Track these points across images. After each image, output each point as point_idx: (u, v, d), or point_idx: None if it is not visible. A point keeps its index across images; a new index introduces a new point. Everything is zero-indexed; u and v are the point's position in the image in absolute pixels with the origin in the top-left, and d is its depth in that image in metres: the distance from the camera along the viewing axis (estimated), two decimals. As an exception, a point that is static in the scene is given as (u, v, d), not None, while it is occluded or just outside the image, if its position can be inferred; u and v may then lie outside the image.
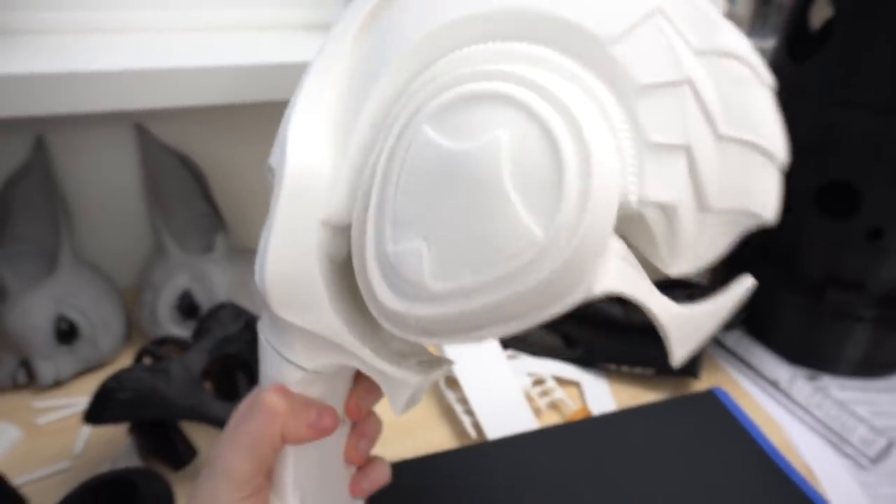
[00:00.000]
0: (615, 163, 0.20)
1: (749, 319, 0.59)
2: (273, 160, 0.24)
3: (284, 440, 0.26)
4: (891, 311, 0.54)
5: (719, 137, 0.22)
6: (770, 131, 0.24)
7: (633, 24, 0.20)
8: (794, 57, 0.53)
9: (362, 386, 0.29)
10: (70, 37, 0.58)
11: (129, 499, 0.33)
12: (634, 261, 0.22)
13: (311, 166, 0.22)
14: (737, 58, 0.22)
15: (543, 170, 0.19)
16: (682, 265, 0.23)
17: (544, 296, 0.20)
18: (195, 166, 0.60)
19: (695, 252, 0.23)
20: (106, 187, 0.61)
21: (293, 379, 0.26)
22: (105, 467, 0.43)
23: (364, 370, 0.26)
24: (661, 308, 0.22)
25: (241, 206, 0.66)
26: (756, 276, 0.67)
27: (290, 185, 0.22)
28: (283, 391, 0.26)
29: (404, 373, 0.25)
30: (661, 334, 0.23)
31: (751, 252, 0.62)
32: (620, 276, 0.20)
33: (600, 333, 0.55)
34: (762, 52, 0.69)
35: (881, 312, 0.54)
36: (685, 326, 0.23)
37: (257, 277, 0.23)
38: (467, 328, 0.21)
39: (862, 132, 0.49)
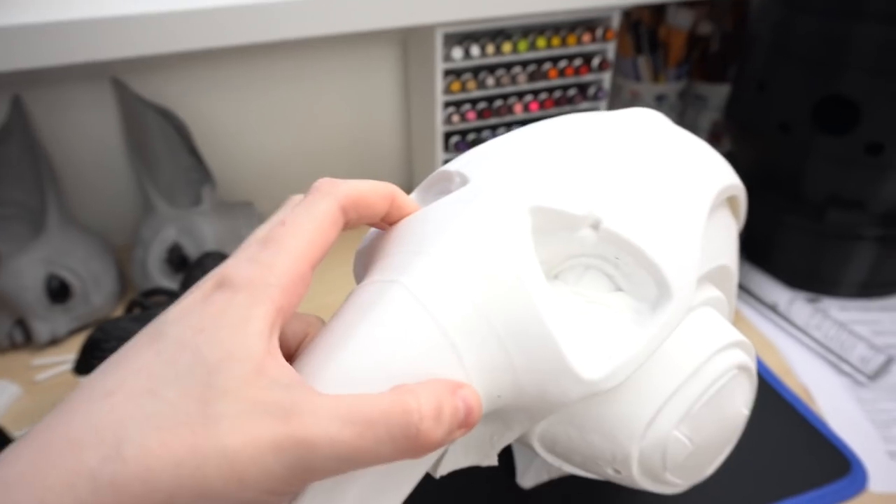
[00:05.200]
0: None
1: (748, 244, 0.58)
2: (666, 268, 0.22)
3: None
4: (894, 229, 0.53)
5: None
6: None
7: None
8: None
9: None
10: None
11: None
12: None
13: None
14: None
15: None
16: None
17: None
18: (177, 119, 0.59)
19: None
20: (89, 146, 0.60)
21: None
22: (103, 418, 0.44)
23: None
24: None
25: (226, 157, 0.65)
26: (755, 200, 0.66)
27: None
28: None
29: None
30: None
31: (750, 177, 0.60)
32: None
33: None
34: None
35: (884, 231, 0.53)
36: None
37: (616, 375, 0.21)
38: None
39: (865, 43, 0.47)
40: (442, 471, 0.24)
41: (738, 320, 0.53)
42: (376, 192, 0.22)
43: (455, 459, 0.24)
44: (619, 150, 0.23)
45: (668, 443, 0.23)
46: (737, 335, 0.25)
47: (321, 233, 0.20)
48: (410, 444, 0.18)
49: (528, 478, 0.33)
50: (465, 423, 0.19)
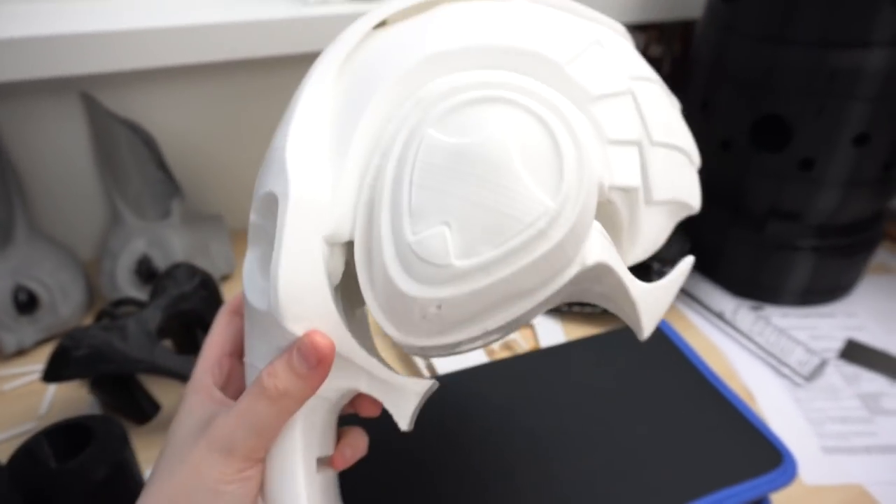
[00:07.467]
0: (597, 152, 0.25)
1: (697, 257, 0.61)
2: (271, 187, 0.24)
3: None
4: (828, 239, 0.56)
5: (653, 142, 0.26)
6: (687, 140, 0.29)
7: (580, 50, 0.25)
8: (727, -4, 0.55)
9: (352, 434, 0.30)
10: (8, 5, 0.58)
11: (86, 443, 0.35)
12: (610, 240, 0.25)
13: (312, 187, 0.24)
14: (653, 82, 0.28)
15: (546, 155, 0.23)
16: (639, 251, 0.28)
17: (552, 266, 0.23)
18: (146, 133, 0.60)
19: (647, 238, 0.28)
20: (58, 159, 0.61)
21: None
22: (70, 425, 0.44)
23: (367, 388, 0.26)
24: (632, 283, 0.25)
25: (195, 170, 0.66)
26: (703, 215, 0.69)
27: (296, 206, 0.23)
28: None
29: (408, 380, 0.26)
30: (629, 308, 0.26)
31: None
32: (605, 250, 0.24)
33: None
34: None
35: (819, 242, 0.56)
36: (650, 300, 0.26)
37: (270, 300, 0.24)
38: (483, 310, 0.24)
39: (794, 66, 0.50)
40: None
41: (687, 327, 0.56)
42: None
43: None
44: None
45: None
46: None
47: (219, 335, 0.29)
48: (271, 397, 0.24)
49: (402, 420, 0.27)
50: (317, 359, 0.24)
